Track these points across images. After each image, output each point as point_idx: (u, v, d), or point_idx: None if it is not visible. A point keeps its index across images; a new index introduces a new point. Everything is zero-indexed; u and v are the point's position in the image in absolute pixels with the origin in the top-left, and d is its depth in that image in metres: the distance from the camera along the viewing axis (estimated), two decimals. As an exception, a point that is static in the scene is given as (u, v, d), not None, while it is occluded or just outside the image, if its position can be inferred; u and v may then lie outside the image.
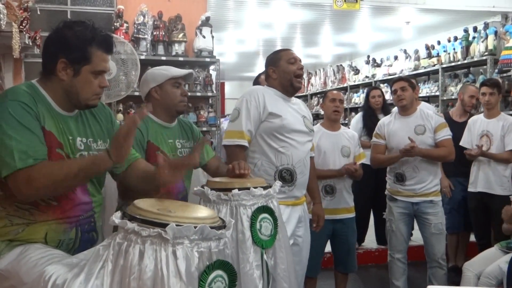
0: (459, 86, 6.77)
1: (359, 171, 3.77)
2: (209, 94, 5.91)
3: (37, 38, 3.66)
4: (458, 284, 3.71)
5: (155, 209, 1.56)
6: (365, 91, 7.19)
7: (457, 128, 4.16)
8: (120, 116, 5.43)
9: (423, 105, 5.15)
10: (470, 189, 4.52)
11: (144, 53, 5.46)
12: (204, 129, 5.72)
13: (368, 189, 5.09)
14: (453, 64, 7.33)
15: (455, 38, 7.35)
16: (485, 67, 6.75)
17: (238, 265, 1.92)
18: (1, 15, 2.57)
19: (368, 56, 10.19)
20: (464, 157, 4.40)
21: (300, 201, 3.01)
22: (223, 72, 12.13)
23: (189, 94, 3.00)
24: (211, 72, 6.11)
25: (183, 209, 1.65)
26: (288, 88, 3.01)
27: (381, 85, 9.09)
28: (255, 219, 1.98)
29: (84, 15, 5.26)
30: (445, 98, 7.51)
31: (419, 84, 8.09)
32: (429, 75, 8.38)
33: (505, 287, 3.16)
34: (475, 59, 6.85)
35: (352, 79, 10.63)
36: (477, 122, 4.52)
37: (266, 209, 2.02)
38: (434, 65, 7.77)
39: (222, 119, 6.38)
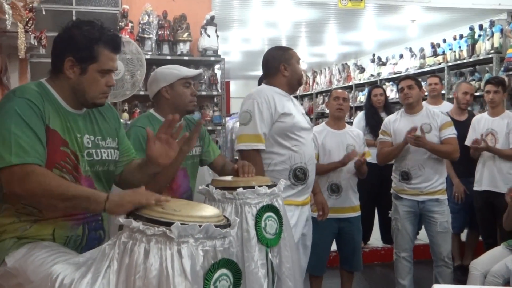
0: (465, 84, 6.75)
1: (364, 168, 3.74)
2: (214, 93, 5.92)
3: (43, 38, 3.67)
4: (465, 283, 3.70)
5: (160, 208, 1.57)
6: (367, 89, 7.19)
7: (459, 127, 4.15)
8: (125, 115, 5.44)
9: (445, 105, 5.18)
10: (476, 187, 4.50)
11: (149, 53, 5.47)
12: (209, 128, 5.72)
13: (373, 188, 5.09)
14: (458, 62, 7.30)
15: (461, 36, 7.32)
16: (491, 65, 6.72)
17: (243, 264, 1.92)
18: (7, 16, 2.58)
19: (374, 55, 10.17)
20: (467, 156, 4.38)
21: (308, 200, 3.03)
22: (228, 71, 12.06)
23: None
24: (216, 71, 6.11)
25: (188, 208, 1.66)
26: (294, 87, 3.05)
27: (387, 83, 9.08)
28: (260, 217, 1.99)
29: (89, 15, 5.27)
30: (450, 96, 7.47)
31: (424, 82, 8.09)
32: (435, 74, 8.34)
33: (512, 285, 3.16)
34: (481, 57, 6.82)
35: (358, 78, 10.60)
36: (482, 121, 4.50)
37: (271, 207, 2.03)
38: (439, 64, 7.74)
39: (227, 118, 6.38)
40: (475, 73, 7.15)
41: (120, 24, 5.42)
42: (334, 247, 3.94)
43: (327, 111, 5.18)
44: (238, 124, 3.38)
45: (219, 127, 5.89)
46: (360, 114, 5.67)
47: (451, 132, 3.84)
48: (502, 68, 6.35)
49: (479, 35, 6.97)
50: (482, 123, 4.49)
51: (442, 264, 3.87)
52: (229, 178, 2.29)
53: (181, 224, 1.47)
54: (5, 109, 1.78)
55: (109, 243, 1.58)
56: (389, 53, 9.67)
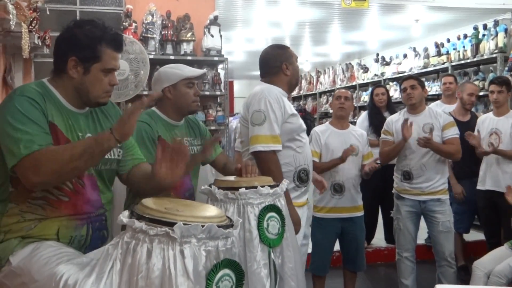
0: (469, 84, 6.73)
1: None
2: (218, 93, 5.93)
3: (47, 38, 3.68)
4: (468, 283, 3.70)
5: (163, 208, 1.57)
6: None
7: (462, 128, 4.14)
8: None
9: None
10: (479, 186, 4.49)
11: (153, 53, 5.48)
12: (213, 128, 5.74)
13: (376, 188, 5.08)
14: (462, 62, 7.29)
15: (465, 36, 7.30)
16: (495, 65, 6.70)
17: (246, 264, 1.93)
18: (11, 16, 2.59)
19: (377, 54, 10.15)
20: (472, 157, 4.37)
21: (307, 201, 3.02)
22: (232, 71, 12.13)
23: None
24: (219, 71, 6.12)
25: (191, 208, 1.66)
26: (293, 87, 3.02)
27: (390, 83, 9.07)
28: (263, 217, 1.99)
29: (93, 15, 5.28)
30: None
31: (428, 82, 8.08)
32: (439, 73, 8.33)
33: (515, 286, 3.15)
34: (485, 57, 6.81)
35: (361, 78, 10.60)
36: (486, 121, 4.50)
37: (273, 207, 2.03)
38: (443, 63, 7.72)
39: (230, 118, 6.38)
40: (479, 73, 7.13)
41: (124, 24, 5.44)
42: (337, 247, 3.94)
43: (331, 111, 5.18)
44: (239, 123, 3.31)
45: (222, 127, 5.90)
46: (364, 114, 5.67)
47: (453, 132, 3.84)
48: (506, 68, 6.34)
49: (483, 35, 6.95)
50: (486, 123, 4.48)
51: (445, 264, 3.86)
52: (231, 178, 2.29)
53: (184, 224, 1.47)
54: (7, 108, 1.80)
55: (112, 243, 1.58)
56: (393, 53, 9.66)
